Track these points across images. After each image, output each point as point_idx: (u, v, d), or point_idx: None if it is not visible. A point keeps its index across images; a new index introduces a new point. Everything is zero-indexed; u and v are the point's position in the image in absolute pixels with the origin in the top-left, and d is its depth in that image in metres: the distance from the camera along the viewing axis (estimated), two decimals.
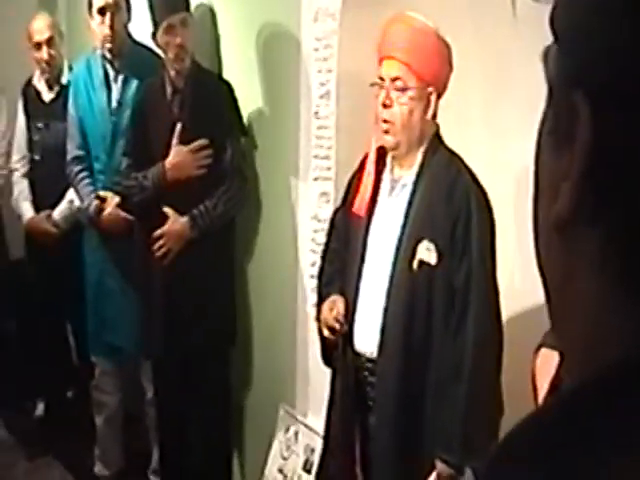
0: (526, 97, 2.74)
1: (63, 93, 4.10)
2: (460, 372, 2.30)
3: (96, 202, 3.71)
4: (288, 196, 3.31)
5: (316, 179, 3.11)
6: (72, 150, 3.86)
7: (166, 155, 3.34)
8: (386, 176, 2.53)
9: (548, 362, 1.68)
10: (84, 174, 3.81)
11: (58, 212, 4.14)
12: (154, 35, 3.34)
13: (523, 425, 0.53)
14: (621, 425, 0.47)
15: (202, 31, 3.56)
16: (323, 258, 2.77)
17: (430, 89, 2.38)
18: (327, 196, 3.07)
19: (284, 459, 3.28)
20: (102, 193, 3.73)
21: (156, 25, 3.31)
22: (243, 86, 3.44)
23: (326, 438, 2.71)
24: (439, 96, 2.42)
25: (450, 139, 2.57)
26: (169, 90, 3.38)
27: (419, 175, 2.42)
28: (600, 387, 0.50)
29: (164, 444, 3.68)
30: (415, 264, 2.35)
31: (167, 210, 3.32)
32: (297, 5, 3.13)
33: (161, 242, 3.33)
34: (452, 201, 2.33)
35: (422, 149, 2.43)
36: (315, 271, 3.14)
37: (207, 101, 3.34)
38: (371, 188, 2.52)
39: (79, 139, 3.83)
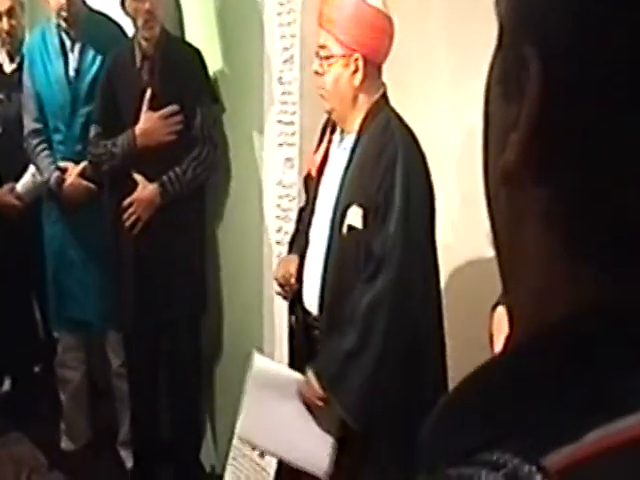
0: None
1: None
2: (349, 326, 2.32)
3: (57, 173, 3.67)
4: (253, 162, 3.30)
5: (280, 145, 3.10)
6: (29, 123, 3.80)
7: (136, 122, 3.32)
8: (336, 138, 2.56)
9: (504, 320, 1.69)
10: (42, 146, 3.76)
11: (21, 185, 4.09)
12: (122, 2, 3.30)
13: (471, 377, 0.53)
14: (560, 383, 0.47)
15: None
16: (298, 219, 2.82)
17: (356, 55, 2.37)
18: (291, 162, 3.06)
19: None
20: (62, 164, 3.69)
21: None
22: (205, 52, 3.42)
23: None
24: (370, 63, 2.39)
25: (414, 104, 2.59)
26: (138, 57, 3.35)
27: (357, 139, 2.44)
28: (543, 343, 0.50)
29: (135, 414, 3.67)
30: (344, 229, 2.37)
31: (137, 177, 3.30)
32: None
33: (131, 210, 3.31)
34: (379, 165, 2.33)
35: (362, 113, 2.44)
36: (280, 237, 3.14)
37: (177, 68, 3.33)
38: (323, 149, 2.56)
39: (36, 112, 3.77)
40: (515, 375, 0.50)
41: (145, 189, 3.30)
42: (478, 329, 2.65)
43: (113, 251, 3.52)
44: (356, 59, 2.37)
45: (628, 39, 0.46)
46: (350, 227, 2.36)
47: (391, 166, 2.30)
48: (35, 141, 3.77)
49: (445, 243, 2.52)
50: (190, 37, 3.57)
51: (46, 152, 3.75)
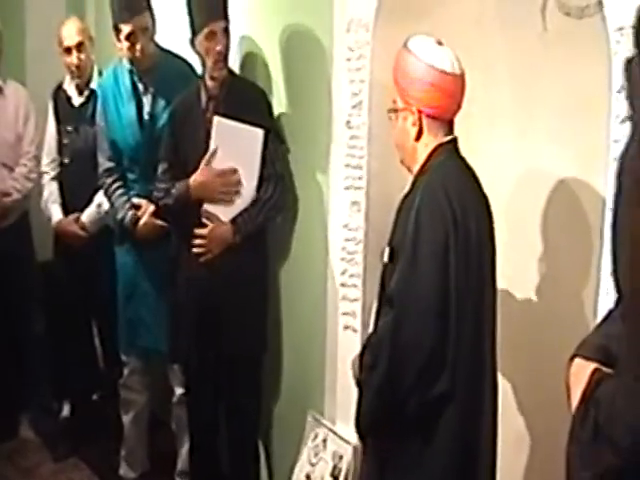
0: (556, 110, 2.78)
1: (92, 97, 4.14)
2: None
3: (131, 212, 3.71)
4: (320, 205, 3.34)
5: (347, 188, 3.13)
6: (103, 162, 3.85)
7: (201, 161, 3.34)
8: None
9: (581, 372, 1.70)
10: (117, 184, 3.82)
11: (86, 215, 4.17)
12: (192, 40, 3.32)
13: None
14: None
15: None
16: None
17: (413, 109, 2.44)
18: (358, 205, 3.09)
19: (312, 465, 3.30)
20: (136, 200, 3.73)
21: (194, 31, 3.30)
22: (276, 95, 3.47)
23: None
24: (431, 118, 2.43)
25: (479, 151, 2.63)
26: (204, 97, 3.39)
27: (412, 185, 2.50)
28: None
29: (194, 447, 3.68)
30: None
31: (211, 216, 3.33)
32: (330, 15, 3.16)
33: (202, 242, 3.31)
34: (409, 211, 2.41)
35: (421, 163, 2.49)
36: (345, 279, 3.16)
37: (242, 107, 3.31)
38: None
39: (109, 151, 3.82)
40: None
41: (220, 226, 3.31)
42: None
43: (175, 286, 3.53)
44: (413, 113, 2.44)
45: None
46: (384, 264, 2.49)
47: (410, 211, 2.39)
48: (110, 180, 3.83)
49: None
50: (260, 80, 3.60)
51: (120, 191, 3.80)
